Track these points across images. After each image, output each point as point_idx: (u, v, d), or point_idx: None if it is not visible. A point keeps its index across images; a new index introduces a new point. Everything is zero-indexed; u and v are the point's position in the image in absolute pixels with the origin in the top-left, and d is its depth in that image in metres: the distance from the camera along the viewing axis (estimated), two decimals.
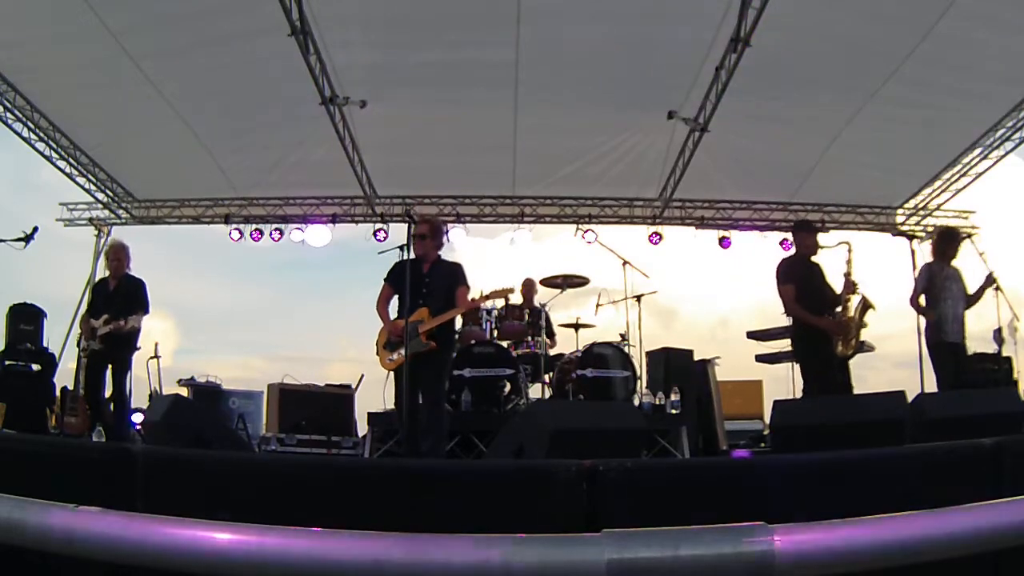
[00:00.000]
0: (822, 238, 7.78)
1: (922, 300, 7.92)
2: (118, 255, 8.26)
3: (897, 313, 8.00)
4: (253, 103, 10.88)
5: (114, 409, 8.04)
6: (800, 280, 7.39)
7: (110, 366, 7.97)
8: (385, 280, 6.78)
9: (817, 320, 7.30)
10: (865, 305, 7.39)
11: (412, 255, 6.53)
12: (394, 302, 6.78)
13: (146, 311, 8.08)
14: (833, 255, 7.62)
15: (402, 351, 6.36)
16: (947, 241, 8.25)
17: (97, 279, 9.29)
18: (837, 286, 7.51)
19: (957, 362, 7.85)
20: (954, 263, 8.15)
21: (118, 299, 7.98)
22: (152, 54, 9.68)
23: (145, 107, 10.69)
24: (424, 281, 6.60)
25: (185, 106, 10.94)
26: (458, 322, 8.89)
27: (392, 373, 6.63)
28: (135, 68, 9.81)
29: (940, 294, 7.91)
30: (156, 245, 15.07)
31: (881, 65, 9.85)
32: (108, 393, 8.07)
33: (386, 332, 6.67)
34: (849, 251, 7.52)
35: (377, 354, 6.78)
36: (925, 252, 8.58)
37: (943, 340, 7.82)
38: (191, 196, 13.94)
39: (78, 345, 8.25)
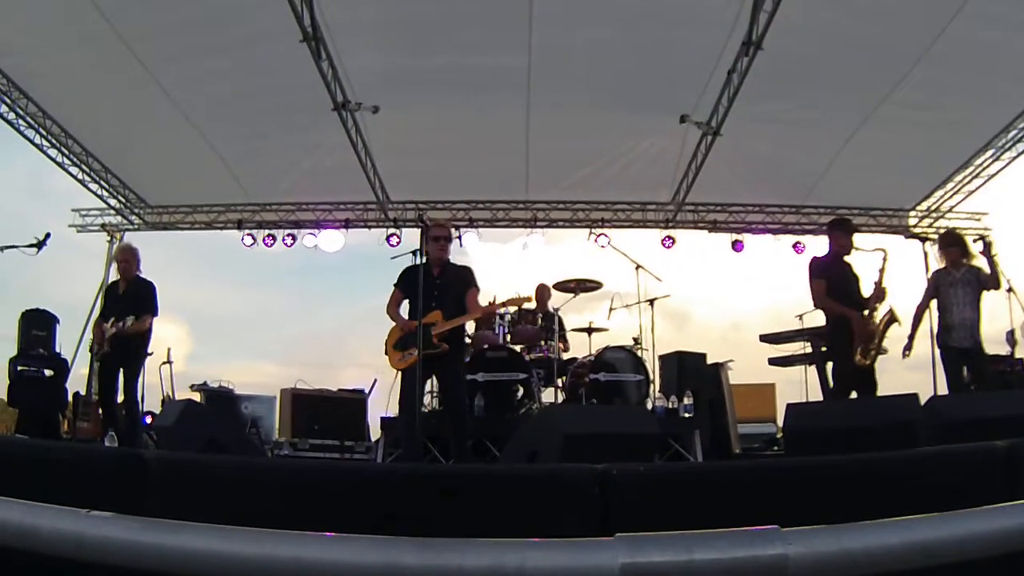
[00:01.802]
0: (858, 240, 7.72)
1: (933, 304, 7.85)
2: (126, 257, 8.24)
3: (911, 316, 7.92)
4: (265, 109, 10.89)
5: (126, 414, 8.03)
6: (831, 277, 7.40)
7: (122, 371, 7.98)
8: (395, 285, 6.90)
9: (845, 310, 7.24)
10: (891, 319, 7.32)
11: (423, 259, 6.62)
12: (405, 306, 6.86)
13: (155, 313, 8.04)
14: (868, 259, 7.57)
15: (412, 351, 6.39)
16: (947, 244, 8.09)
17: (109, 283, 9.30)
18: (866, 290, 7.43)
19: (970, 366, 7.76)
20: (967, 263, 7.98)
21: (128, 301, 7.96)
22: (164, 60, 9.72)
23: (157, 113, 10.74)
24: (436, 284, 6.68)
25: (197, 112, 10.99)
26: (470, 326, 8.93)
27: (401, 373, 6.70)
28: (147, 74, 9.86)
29: (945, 301, 7.82)
30: (168, 251, 15.13)
31: (893, 67, 9.82)
32: (120, 398, 8.07)
33: (397, 332, 6.74)
34: (884, 259, 7.40)
35: (387, 354, 6.83)
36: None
37: (950, 345, 7.74)
38: (203, 202, 13.99)
39: (91, 350, 8.25)
